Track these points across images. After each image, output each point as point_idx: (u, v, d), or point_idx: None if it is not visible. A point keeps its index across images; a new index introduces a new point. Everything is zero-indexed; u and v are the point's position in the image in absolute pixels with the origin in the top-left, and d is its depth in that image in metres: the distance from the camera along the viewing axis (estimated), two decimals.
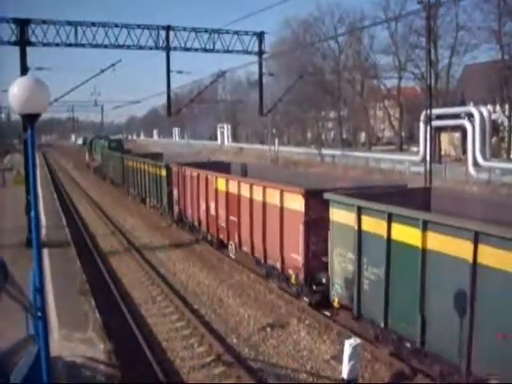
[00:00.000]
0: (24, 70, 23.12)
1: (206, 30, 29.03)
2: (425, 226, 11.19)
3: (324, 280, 15.38)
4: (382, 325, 12.69)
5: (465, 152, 53.64)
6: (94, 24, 26.68)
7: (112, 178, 50.13)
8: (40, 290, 8.35)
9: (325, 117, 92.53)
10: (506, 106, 60.67)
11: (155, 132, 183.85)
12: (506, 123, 60.43)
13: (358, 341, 10.81)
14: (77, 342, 12.83)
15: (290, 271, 16.69)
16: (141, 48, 27.84)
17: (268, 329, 14.74)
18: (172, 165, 30.04)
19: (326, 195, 14.71)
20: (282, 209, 17.08)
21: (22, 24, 24.02)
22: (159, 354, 13.18)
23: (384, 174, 49.15)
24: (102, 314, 14.85)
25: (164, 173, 30.67)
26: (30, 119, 8.05)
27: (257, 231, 19.06)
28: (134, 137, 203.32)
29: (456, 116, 52.76)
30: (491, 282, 9.77)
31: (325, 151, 71.87)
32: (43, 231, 24.98)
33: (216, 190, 22.72)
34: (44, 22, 25.20)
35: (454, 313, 10.50)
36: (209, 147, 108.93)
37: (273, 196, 17.72)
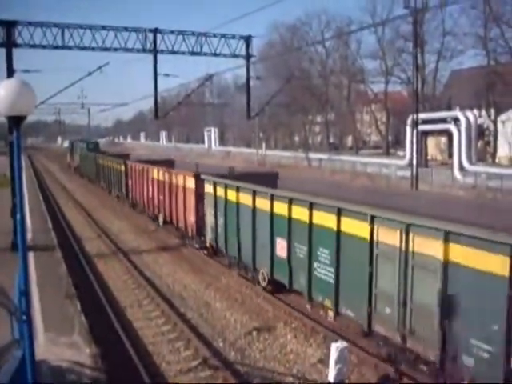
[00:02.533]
0: (10, 72, 22.96)
1: (194, 34, 29.03)
2: (237, 190, 18.86)
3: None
4: (224, 251, 20.52)
5: (451, 156, 53.99)
6: (81, 26, 26.61)
7: (88, 175, 56.69)
8: (25, 293, 8.30)
9: (312, 121, 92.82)
10: (492, 111, 61.21)
11: (142, 135, 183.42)
12: (492, 128, 60.95)
13: (345, 344, 10.82)
14: (62, 346, 12.73)
15: (189, 228, 24.40)
16: (128, 51, 27.77)
17: (254, 332, 14.71)
18: (128, 161, 37.81)
19: (202, 176, 22.68)
20: (184, 188, 24.80)
21: (9, 26, 23.87)
22: (145, 358, 13.12)
23: (370, 178, 49.30)
24: (87, 317, 14.76)
25: (123, 168, 37.63)
26: (15, 121, 8.02)
27: (173, 205, 26.64)
28: (121, 140, 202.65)
29: (442, 120, 53.10)
30: (260, 218, 17.39)
31: (312, 155, 71.96)
32: (29, 235, 24.79)
33: (152, 179, 30.45)
34: (31, 23, 25.07)
35: (248, 238, 18.20)
36: (196, 151, 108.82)
37: (180, 179, 25.40)
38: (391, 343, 11.97)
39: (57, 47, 26.12)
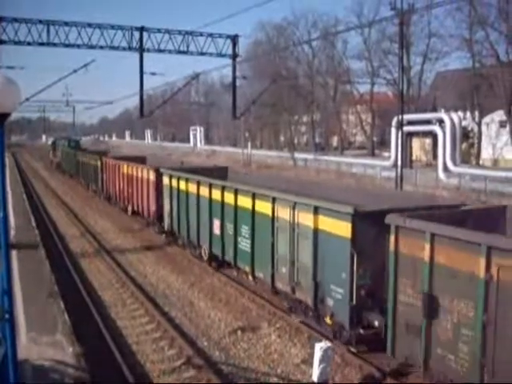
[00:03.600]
0: None
1: (180, 32, 29.00)
2: (187, 180, 21.96)
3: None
4: (177, 233, 23.69)
5: (435, 157, 54.22)
6: (66, 23, 26.45)
7: (69, 171, 58.79)
8: (8, 292, 8.23)
9: (298, 121, 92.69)
10: (476, 113, 61.57)
11: (127, 133, 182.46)
12: (476, 130, 61.33)
13: (329, 344, 10.84)
14: (45, 345, 12.63)
15: (151, 215, 27.50)
16: (114, 49, 27.70)
17: (239, 332, 14.70)
18: (103, 158, 39.77)
19: (161, 169, 25.30)
20: (148, 180, 27.52)
21: None
22: (129, 357, 13.06)
23: (355, 178, 49.36)
24: (71, 316, 14.66)
25: (99, 164, 39.67)
26: None
27: (139, 196, 29.29)
28: (106, 138, 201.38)
29: (427, 122, 53.34)
30: (203, 204, 20.58)
31: (297, 155, 71.83)
32: (12, 232, 24.56)
33: (123, 173, 33.03)
34: (16, 20, 24.89)
35: (194, 221, 21.35)
36: (181, 149, 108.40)
37: (145, 173, 28.12)
38: (288, 296, 15.18)
39: (42, 44, 25.98)
